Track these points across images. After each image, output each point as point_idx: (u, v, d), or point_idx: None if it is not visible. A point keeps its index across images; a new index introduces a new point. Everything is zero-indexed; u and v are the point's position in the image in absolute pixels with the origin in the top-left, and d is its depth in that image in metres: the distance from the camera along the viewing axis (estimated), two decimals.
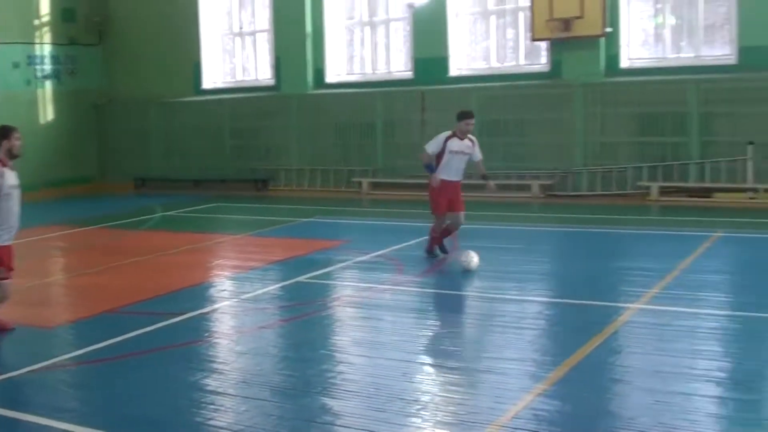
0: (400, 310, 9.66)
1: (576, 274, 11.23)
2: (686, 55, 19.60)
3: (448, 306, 10.05)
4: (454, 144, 11.90)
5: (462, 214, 12.21)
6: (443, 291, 10.66)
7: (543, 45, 20.76)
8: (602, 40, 19.59)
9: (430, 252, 12.35)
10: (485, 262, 11.39)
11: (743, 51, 18.49)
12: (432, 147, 11.98)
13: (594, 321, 8.62)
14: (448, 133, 11.96)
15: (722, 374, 7.00)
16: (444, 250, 12.36)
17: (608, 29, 19.36)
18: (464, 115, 11.98)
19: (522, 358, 7.59)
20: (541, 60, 21.18)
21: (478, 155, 12.17)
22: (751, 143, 17.89)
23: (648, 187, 18.76)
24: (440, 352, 8.06)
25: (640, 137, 19.33)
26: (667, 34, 19.95)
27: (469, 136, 12.02)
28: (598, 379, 6.94)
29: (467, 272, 11.13)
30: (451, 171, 11.95)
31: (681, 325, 8.53)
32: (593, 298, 9.75)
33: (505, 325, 8.82)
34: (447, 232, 12.34)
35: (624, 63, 19.92)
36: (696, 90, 18.64)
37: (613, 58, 19.84)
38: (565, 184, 19.95)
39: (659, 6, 19.97)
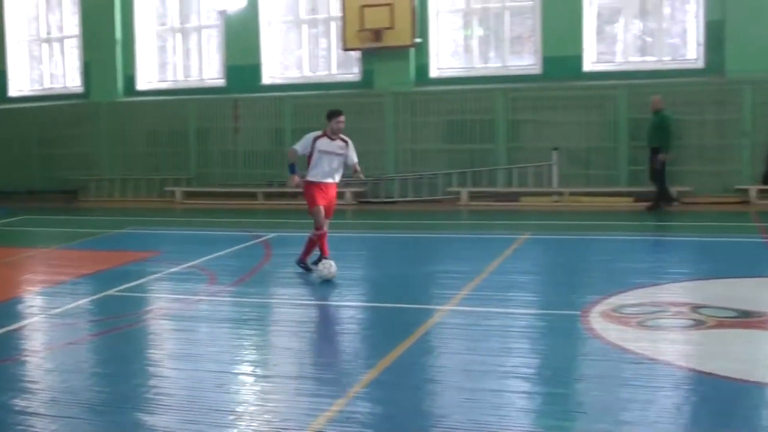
0: (213, 320, 9.49)
1: (389, 279, 11.37)
2: (494, 65, 20.29)
3: (262, 314, 9.95)
4: (324, 143, 11.30)
5: (328, 221, 11.56)
6: (257, 299, 10.55)
7: (355, 55, 20.99)
8: (412, 50, 20.01)
9: (303, 263, 11.57)
10: (298, 270, 11.38)
11: (547, 61, 19.31)
12: (300, 146, 11.39)
13: (406, 323, 8.74)
14: (318, 132, 11.37)
15: (530, 370, 7.22)
16: (308, 268, 11.53)
17: (418, 40, 19.78)
18: (334, 114, 11.37)
19: (336, 362, 7.59)
20: (353, 69, 21.40)
21: (353, 158, 11.64)
22: (555, 149, 18.71)
23: (458, 193, 19.28)
24: (255, 361, 7.96)
25: (450, 144, 19.85)
26: (475, 44, 20.59)
27: (342, 136, 11.42)
28: (411, 379, 7.02)
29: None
30: (322, 172, 11.31)
31: (490, 325, 8.77)
32: (405, 302, 9.89)
33: (318, 330, 8.83)
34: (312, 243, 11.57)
35: (433, 73, 20.41)
36: (503, 98, 19.32)
37: (423, 67, 20.29)
38: (378, 191, 20.23)
39: (468, 18, 20.57)
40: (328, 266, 10.95)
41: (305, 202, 11.52)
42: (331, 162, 11.35)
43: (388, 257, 13.33)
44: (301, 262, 11.59)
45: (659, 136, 17.30)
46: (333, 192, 11.55)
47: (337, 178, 11.53)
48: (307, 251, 11.57)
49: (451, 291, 10.16)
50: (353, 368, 7.39)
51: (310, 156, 11.32)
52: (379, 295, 10.70)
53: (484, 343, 8.08)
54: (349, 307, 9.88)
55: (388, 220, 17.28)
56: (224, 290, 10.85)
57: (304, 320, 9.40)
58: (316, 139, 11.31)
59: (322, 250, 11.40)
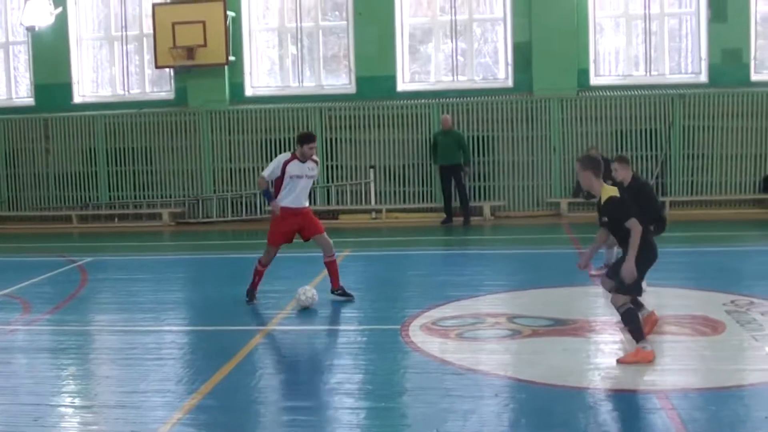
0: (29, 351, 9.08)
1: (209, 301, 11.21)
2: (309, 84, 20.38)
3: (80, 342, 9.58)
4: (295, 167, 10.51)
5: (325, 233, 10.93)
6: (75, 327, 10.15)
7: (169, 72, 20.64)
8: (227, 68, 19.85)
9: (251, 293, 10.81)
10: (116, 295, 11.06)
11: (361, 81, 19.60)
12: (268, 172, 10.61)
13: (228, 345, 8.64)
14: (287, 155, 10.62)
15: (353, 386, 7.30)
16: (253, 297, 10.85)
17: (232, 58, 19.65)
18: (308, 138, 10.67)
19: (157, 389, 7.41)
20: (166, 87, 21.03)
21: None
22: (372, 167, 18.98)
23: None
24: (74, 391, 7.66)
25: (267, 163, 19.69)
26: (289, 63, 20.63)
27: (314, 157, 10.72)
28: (235, 402, 6.95)
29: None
30: (294, 197, 10.59)
31: (312, 343, 8.81)
32: (227, 324, 9.79)
33: (138, 357, 8.59)
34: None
35: (248, 91, 20.33)
36: (319, 117, 19.44)
37: (237, 86, 20.17)
38: (196, 210, 19.93)
39: (282, 36, 20.60)
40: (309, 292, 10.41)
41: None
42: (304, 186, 10.70)
43: (208, 279, 13.13)
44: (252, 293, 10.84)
45: (459, 154, 17.91)
46: (305, 216, 10.83)
47: (307, 202, 10.88)
48: (256, 279, 10.89)
49: (273, 311, 10.14)
50: (176, 394, 7.24)
51: (279, 180, 10.59)
52: (199, 318, 10.53)
53: (307, 362, 8.12)
54: (170, 331, 9.68)
55: (207, 240, 17.04)
56: (40, 319, 10.40)
57: (124, 347, 9.12)
58: (286, 163, 10.52)
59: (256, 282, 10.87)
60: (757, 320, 9.11)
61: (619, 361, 7.79)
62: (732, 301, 9.94)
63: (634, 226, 7.60)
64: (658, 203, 11.07)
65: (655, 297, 10.39)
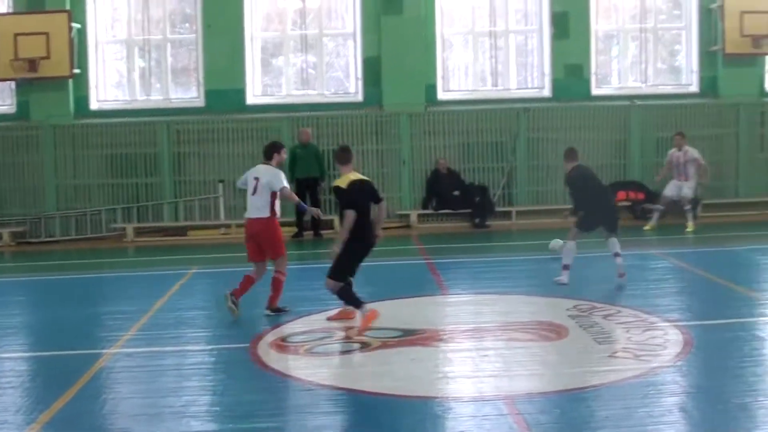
0: None
1: (50, 325, 10.76)
2: (157, 98, 19.96)
3: None
4: None
5: None
6: None
7: (9, 86, 19.83)
8: (71, 81, 19.23)
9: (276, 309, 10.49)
10: None
11: (210, 94, 19.34)
12: (285, 182, 10.46)
13: (70, 371, 8.28)
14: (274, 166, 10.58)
15: (201, 408, 7.13)
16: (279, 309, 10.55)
17: (76, 70, 19.05)
18: (280, 146, 10.95)
19: None
20: (8, 101, 20.19)
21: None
22: (221, 181, 18.73)
23: (123, 229, 18.74)
24: None
25: (113, 179, 19.26)
26: (136, 76, 20.16)
27: None
28: (76, 430, 6.69)
29: None
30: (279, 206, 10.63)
31: (159, 365, 8.56)
32: (69, 348, 9.42)
33: None
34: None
35: (93, 105, 19.75)
36: (167, 131, 19.05)
37: (82, 99, 19.58)
38: (38, 230, 19.16)
39: (130, 49, 20.10)
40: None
41: None
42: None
43: (49, 301, 12.58)
44: (273, 308, 10.48)
45: (317, 168, 17.94)
46: None
47: None
48: (277, 294, 10.50)
49: (117, 333, 9.82)
50: (14, 425, 6.88)
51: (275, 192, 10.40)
52: (40, 343, 10.10)
53: (153, 385, 7.89)
54: (8, 358, 9.23)
55: (49, 260, 16.41)
56: None
57: None
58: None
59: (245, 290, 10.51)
60: (599, 324, 9.45)
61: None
62: (575, 306, 10.28)
63: (348, 215, 9.20)
64: (595, 192, 12.01)
65: (503, 304, 10.68)
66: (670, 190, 17.18)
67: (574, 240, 11.93)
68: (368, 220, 9.50)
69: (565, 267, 11.81)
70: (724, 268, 12.93)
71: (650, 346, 8.56)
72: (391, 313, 10.27)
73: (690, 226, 16.76)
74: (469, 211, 18.51)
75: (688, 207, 16.91)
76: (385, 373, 7.91)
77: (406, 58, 18.89)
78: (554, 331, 9.23)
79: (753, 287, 11.51)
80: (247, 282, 10.52)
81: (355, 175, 9.61)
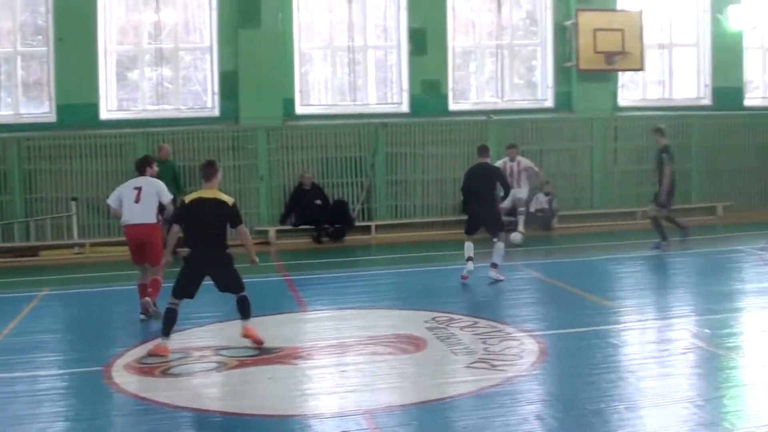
0: None
1: None
2: (6, 113, 19.16)
3: None
4: None
5: None
6: None
7: None
8: None
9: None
10: None
11: (62, 109, 18.71)
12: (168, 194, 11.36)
13: None
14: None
15: None
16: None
17: None
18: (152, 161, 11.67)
19: None
20: None
21: None
22: (74, 199, 18.12)
23: None
24: None
25: None
26: None
27: None
28: None
29: None
30: None
31: (9, 392, 8.18)
32: None
33: None
34: None
35: None
36: (17, 148, 18.30)
37: None
38: None
39: None
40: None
41: None
42: None
43: None
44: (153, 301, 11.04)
45: (174, 184, 17.51)
46: None
47: None
48: (156, 291, 11.12)
49: None
50: None
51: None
52: None
53: (4, 413, 7.52)
54: None
55: None
56: None
57: None
58: None
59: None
60: (456, 335, 9.57)
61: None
62: (433, 318, 10.38)
63: (172, 229, 9.44)
64: (474, 193, 13.08)
65: (362, 319, 10.69)
66: (507, 201, 17.53)
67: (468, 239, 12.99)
68: (198, 240, 9.32)
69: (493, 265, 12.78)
70: (578, 277, 13.31)
71: (507, 356, 8.71)
72: None
73: (521, 230, 17.16)
74: (329, 226, 18.41)
75: (522, 209, 17.26)
76: (243, 393, 7.79)
77: (263, 72, 18.73)
78: (412, 344, 9.29)
79: (606, 296, 11.86)
80: (154, 283, 11.08)
81: (209, 193, 9.50)
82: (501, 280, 12.70)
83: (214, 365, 8.79)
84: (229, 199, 9.48)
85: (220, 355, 9.10)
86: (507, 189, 13.53)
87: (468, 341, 9.33)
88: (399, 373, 8.30)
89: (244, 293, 9.43)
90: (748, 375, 8.24)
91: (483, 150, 13.47)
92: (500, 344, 9.20)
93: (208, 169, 9.65)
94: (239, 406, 7.41)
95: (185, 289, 9.34)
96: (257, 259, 9.68)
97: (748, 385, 7.92)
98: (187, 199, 9.65)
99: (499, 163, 16.43)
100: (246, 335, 9.40)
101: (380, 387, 7.86)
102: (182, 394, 7.86)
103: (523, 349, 8.98)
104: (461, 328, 9.89)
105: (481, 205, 12.98)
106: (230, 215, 9.39)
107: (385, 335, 9.72)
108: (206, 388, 8.14)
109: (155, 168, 11.57)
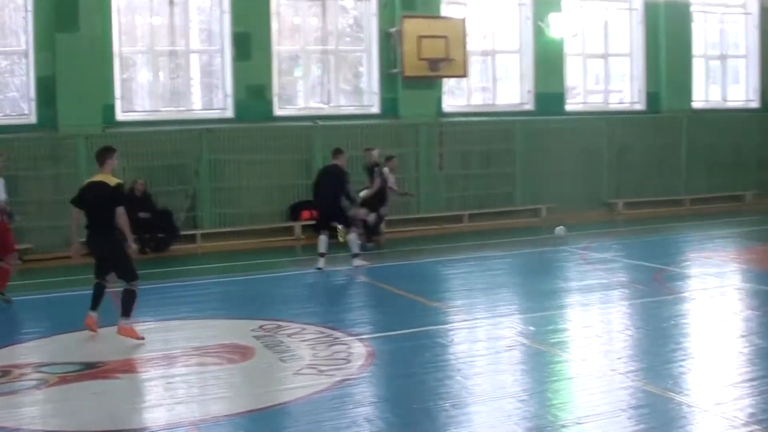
0: None
1: None
2: None
3: None
4: None
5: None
6: None
7: None
8: None
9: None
10: None
11: None
12: None
13: None
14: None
15: None
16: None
17: None
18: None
19: None
20: None
21: None
22: None
23: None
24: None
25: None
26: None
27: None
28: None
29: None
30: None
31: None
32: None
33: None
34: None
35: None
36: None
37: None
38: None
39: None
40: None
41: None
42: None
43: None
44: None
45: None
46: None
47: None
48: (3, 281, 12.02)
49: None
50: None
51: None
52: None
53: None
54: None
55: None
56: None
57: None
58: None
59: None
60: (285, 342, 9.41)
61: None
62: (261, 327, 10.17)
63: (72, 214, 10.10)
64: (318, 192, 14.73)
65: (189, 329, 10.38)
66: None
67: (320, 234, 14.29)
68: (88, 222, 9.93)
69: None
70: (406, 280, 13.38)
71: (335, 361, 8.62)
72: (70, 346, 9.69)
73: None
74: (151, 236, 17.75)
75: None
76: (66, 410, 7.38)
77: (82, 77, 17.89)
78: (240, 353, 9.07)
79: (434, 298, 11.96)
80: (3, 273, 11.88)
81: (98, 177, 10.01)
82: (364, 265, 14.24)
83: (34, 383, 8.27)
84: (113, 181, 9.84)
85: (41, 371, 8.58)
86: (344, 193, 14.35)
87: (296, 348, 9.18)
88: (226, 383, 8.07)
89: (131, 286, 9.72)
90: (571, 369, 8.45)
91: (336, 152, 14.78)
92: (328, 349, 9.10)
93: (100, 155, 10.09)
94: (61, 424, 7.01)
95: (96, 270, 10.05)
96: (135, 246, 10.10)
97: (571, 379, 8.12)
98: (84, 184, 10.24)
99: (385, 170, 17.10)
100: (123, 334, 9.56)
101: (207, 398, 7.61)
102: (4, 414, 7.32)
103: (352, 353, 8.91)
104: (289, 335, 9.73)
105: (325, 201, 14.45)
106: (112, 196, 9.76)
107: (212, 345, 9.43)
108: (26, 406, 7.61)
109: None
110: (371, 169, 17.30)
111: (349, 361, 8.60)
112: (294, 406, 7.35)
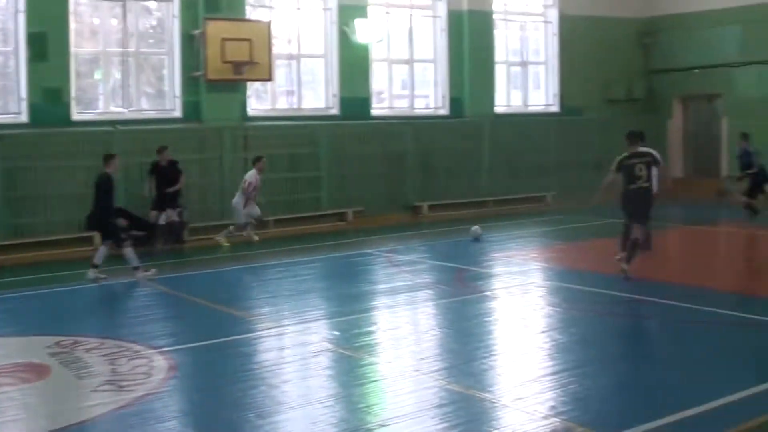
0: None
1: None
2: None
3: None
4: None
5: None
6: None
7: None
8: None
9: None
10: None
11: None
12: None
13: None
14: None
15: None
16: None
17: None
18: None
19: None
20: None
21: None
22: None
23: None
24: None
25: None
26: None
27: None
28: None
29: None
30: None
31: None
32: None
33: None
34: None
35: None
36: None
37: None
38: None
39: None
40: None
41: None
42: None
43: None
44: None
45: None
46: None
47: None
48: None
49: None
50: None
51: None
52: None
53: None
54: None
55: None
56: None
57: None
58: None
59: None
60: (82, 358, 9.01)
61: None
62: (57, 343, 9.68)
63: None
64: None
65: None
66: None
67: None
68: None
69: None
70: (209, 290, 13.09)
71: (135, 375, 8.33)
72: None
73: (224, 242, 17.83)
74: None
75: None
76: None
77: None
78: (35, 372, 8.60)
79: (238, 306, 11.78)
80: None
81: None
82: (101, 279, 13.48)
83: None
84: None
85: None
86: (102, 203, 13.92)
87: (94, 363, 8.79)
88: (21, 404, 7.65)
89: None
90: (377, 372, 8.50)
91: (106, 158, 14.10)
92: (128, 363, 8.76)
93: None
94: None
95: None
96: None
97: (377, 381, 8.16)
98: None
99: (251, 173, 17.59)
100: None
101: (1, 421, 7.14)
102: None
103: (153, 367, 8.62)
104: (87, 351, 9.30)
105: (92, 211, 13.94)
106: None
107: (4, 365, 8.85)
108: None
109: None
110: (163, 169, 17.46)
111: (150, 375, 8.31)
112: (92, 424, 7.06)
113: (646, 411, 6.88)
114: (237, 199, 17.93)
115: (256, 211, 18.29)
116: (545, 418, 6.83)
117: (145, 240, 17.21)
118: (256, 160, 17.96)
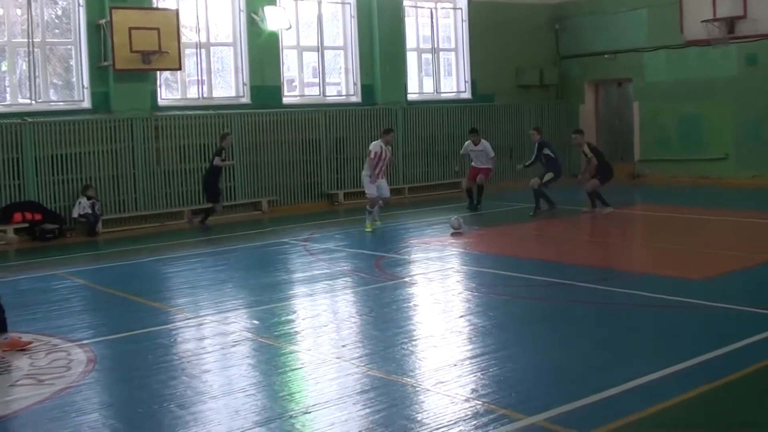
0: None
1: None
2: None
3: None
4: None
5: None
6: None
7: None
8: None
9: None
10: None
11: None
12: None
13: None
14: None
15: None
16: None
17: None
18: None
19: None
20: None
21: None
22: None
23: None
24: None
25: None
26: None
27: None
28: None
29: None
30: None
31: None
32: None
33: None
34: None
35: None
36: None
37: None
38: None
39: None
40: None
41: None
42: None
43: None
44: None
45: None
46: None
47: None
48: None
49: None
50: None
51: None
52: None
53: None
54: None
55: None
56: None
57: None
58: None
59: None
60: None
61: None
62: None
63: None
64: None
65: None
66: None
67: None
68: None
69: None
70: (126, 281, 13.00)
71: (54, 369, 8.24)
72: None
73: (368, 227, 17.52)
74: None
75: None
76: None
77: None
78: None
79: (156, 297, 11.72)
80: None
81: None
82: None
83: None
84: None
85: None
86: None
87: (12, 358, 8.67)
88: None
89: None
90: (297, 360, 8.54)
91: None
92: (47, 357, 8.67)
93: None
94: None
95: None
96: None
97: (298, 369, 8.21)
98: None
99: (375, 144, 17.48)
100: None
101: None
102: None
103: (72, 360, 8.54)
104: None
105: None
106: None
107: None
108: None
109: None
110: None
111: (69, 369, 8.24)
112: (12, 419, 6.96)
113: (566, 392, 7.02)
114: (365, 172, 17.55)
115: (386, 191, 17.87)
116: (467, 401, 6.95)
117: (57, 233, 16.95)
118: (386, 132, 17.72)
